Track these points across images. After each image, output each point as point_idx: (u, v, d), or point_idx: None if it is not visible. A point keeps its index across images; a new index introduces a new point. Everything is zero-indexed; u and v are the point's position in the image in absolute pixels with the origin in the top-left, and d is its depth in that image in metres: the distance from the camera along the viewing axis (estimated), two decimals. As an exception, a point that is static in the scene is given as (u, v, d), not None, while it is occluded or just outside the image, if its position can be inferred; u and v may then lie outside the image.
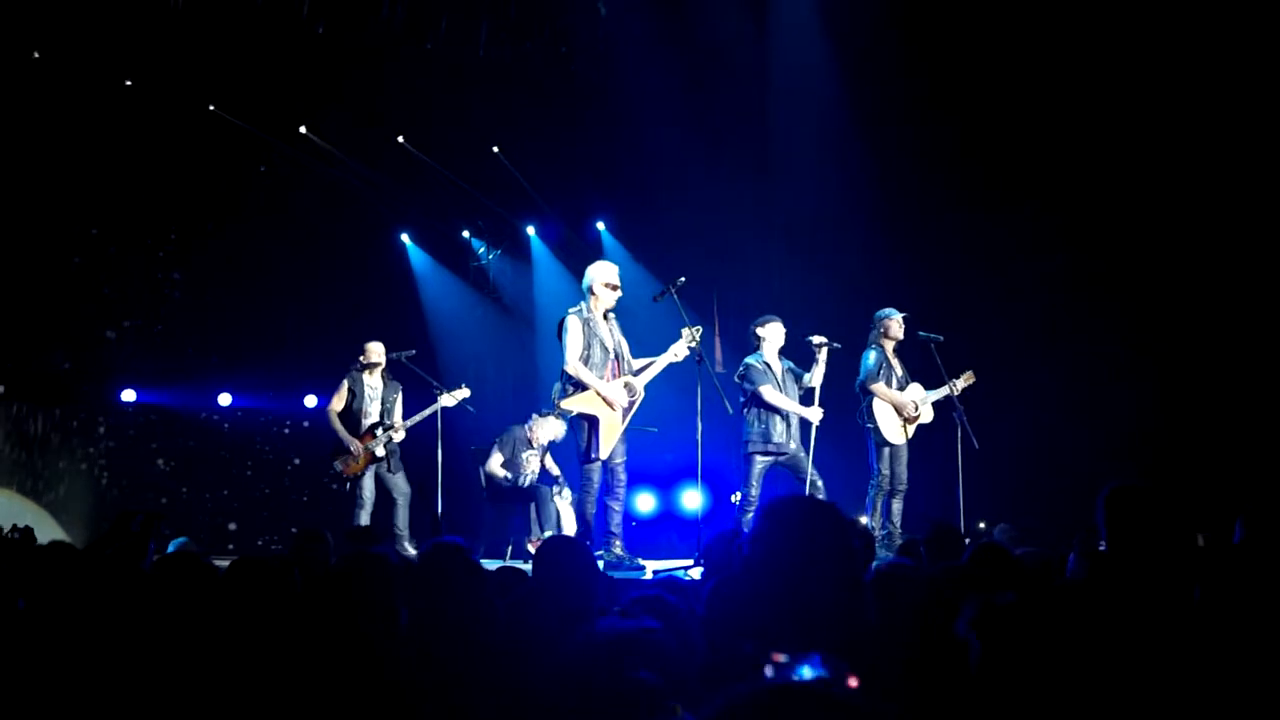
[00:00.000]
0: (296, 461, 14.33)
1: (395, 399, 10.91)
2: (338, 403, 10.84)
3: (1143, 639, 3.04)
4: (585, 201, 14.16)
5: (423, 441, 11.04)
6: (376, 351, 10.88)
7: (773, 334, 10.01)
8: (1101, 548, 5.18)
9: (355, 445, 10.66)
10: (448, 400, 10.85)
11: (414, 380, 11.14)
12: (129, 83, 12.90)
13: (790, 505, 2.89)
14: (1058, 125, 11.69)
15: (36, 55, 12.53)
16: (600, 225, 14.17)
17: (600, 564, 6.40)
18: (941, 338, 10.34)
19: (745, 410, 9.90)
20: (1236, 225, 11.15)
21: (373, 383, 10.88)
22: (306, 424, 13.96)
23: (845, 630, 2.69)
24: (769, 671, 1.49)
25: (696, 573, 7.88)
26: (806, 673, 1.66)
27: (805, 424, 9.86)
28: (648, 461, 11.69)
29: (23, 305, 13.01)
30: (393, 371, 11.03)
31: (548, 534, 10.67)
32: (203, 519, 13.67)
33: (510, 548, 11.63)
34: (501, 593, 4.43)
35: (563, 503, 11.18)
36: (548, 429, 11.53)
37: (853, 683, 1.70)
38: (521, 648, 3.34)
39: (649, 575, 8.86)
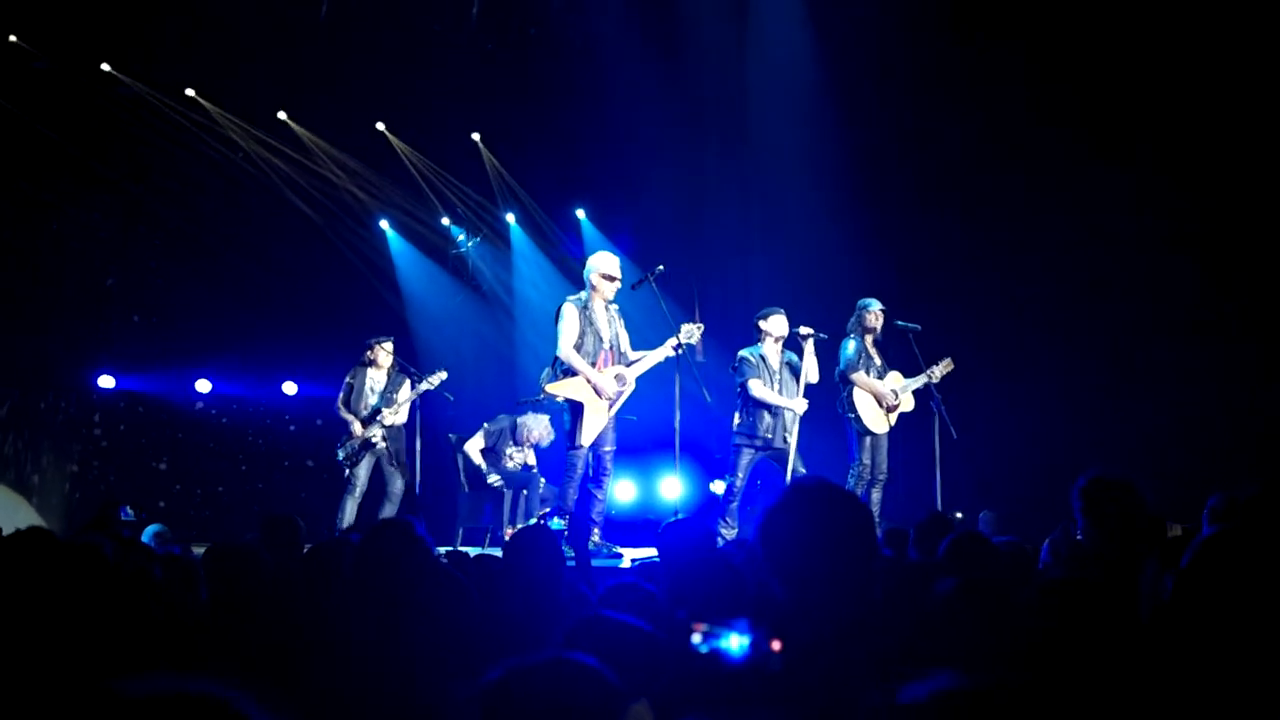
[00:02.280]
0: (282, 451, 14.27)
1: (398, 394, 10.90)
2: (341, 397, 10.97)
3: (1111, 626, 3.05)
4: (565, 189, 14.12)
5: (405, 426, 11.03)
6: (382, 348, 10.94)
7: (775, 326, 10.03)
8: (1078, 537, 5.20)
9: (356, 427, 10.72)
10: (429, 383, 10.83)
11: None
12: (106, 67, 12.85)
13: (814, 489, 2.89)
14: (1041, 112, 11.70)
15: (13, 39, 12.47)
16: (580, 213, 14.14)
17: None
18: (919, 327, 10.37)
19: (737, 401, 9.98)
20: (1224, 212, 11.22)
21: (376, 377, 10.94)
22: (321, 420, 13.83)
23: (854, 616, 2.70)
24: (695, 638, 1.49)
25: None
26: (733, 639, 1.66)
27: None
28: (625, 450, 11.69)
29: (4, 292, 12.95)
30: (399, 367, 11.05)
31: (529, 523, 10.67)
32: (184, 507, 13.58)
33: (488, 535, 11.63)
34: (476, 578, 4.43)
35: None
36: (541, 430, 11.49)
37: (776, 646, 1.70)
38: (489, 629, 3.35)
39: (626, 564, 8.88)
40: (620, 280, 9.39)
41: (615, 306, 9.46)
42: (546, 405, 10.54)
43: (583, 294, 9.34)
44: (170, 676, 1.50)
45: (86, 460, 13.59)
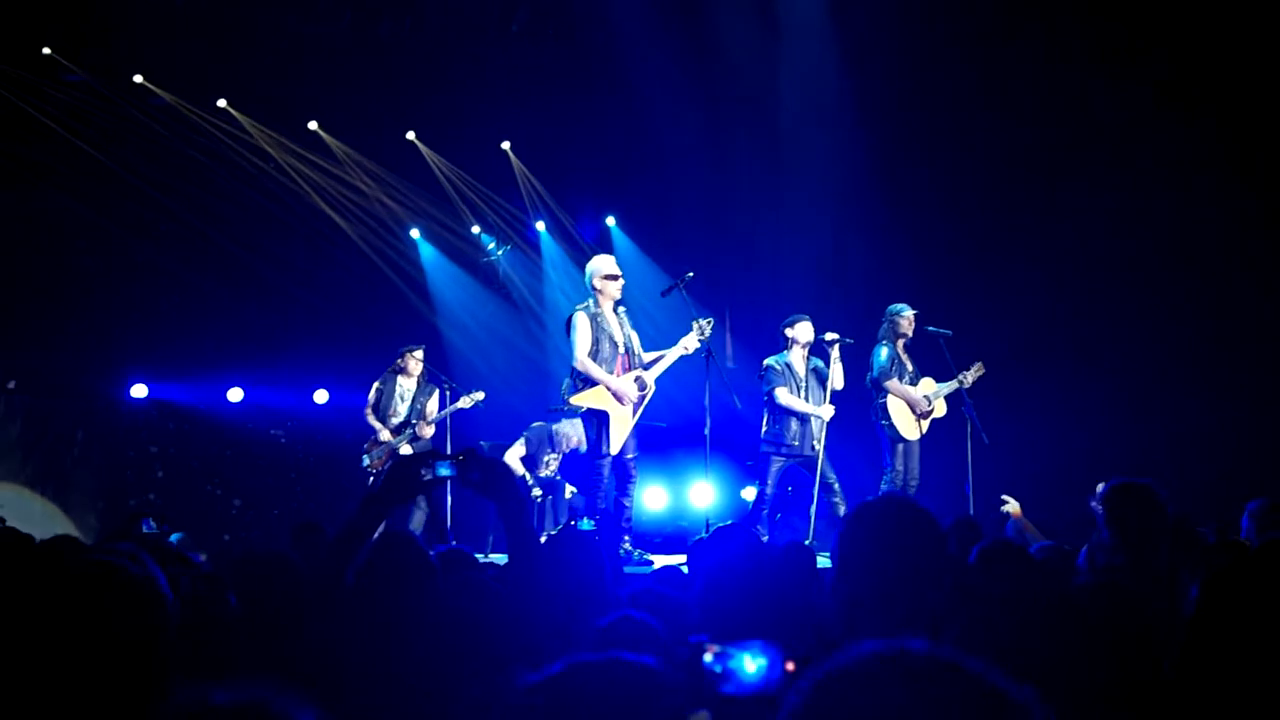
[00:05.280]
0: (307, 456, 14.31)
1: (427, 402, 10.98)
2: (371, 402, 11.05)
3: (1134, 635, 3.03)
4: (595, 197, 14.15)
5: (435, 438, 11.05)
6: (413, 356, 11.00)
7: (801, 333, 10.00)
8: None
9: (384, 436, 10.77)
10: (464, 403, 10.91)
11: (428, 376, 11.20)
12: (139, 79, 12.94)
13: (887, 508, 2.88)
14: (1062, 118, 11.65)
15: (49, 51, 12.59)
16: (610, 221, 14.17)
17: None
18: (950, 332, 10.33)
19: (764, 410, 9.97)
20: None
21: (406, 384, 11.01)
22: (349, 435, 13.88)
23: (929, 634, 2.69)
24: (708, 658, 1.47)
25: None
26: (747, 661, 1.64)
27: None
28: (655, 457, 11.68)
29: (35, 300, 13.04)
30: (429, 376, 11.10)
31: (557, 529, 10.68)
32: (216, 516, 13.64)
33: (491, 539, 11.60)
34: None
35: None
36: (581, 435, 11.46)
37: (790, 667, 1.67)
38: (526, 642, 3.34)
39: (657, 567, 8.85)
40: (622, 277, 9.38)
41: (624, 309, 9.43)
42: (573, 414, 10.52)
43: (590, 301, 9.32)
44: (237, 685, 1.51)
45: (118, 469, 13.66)
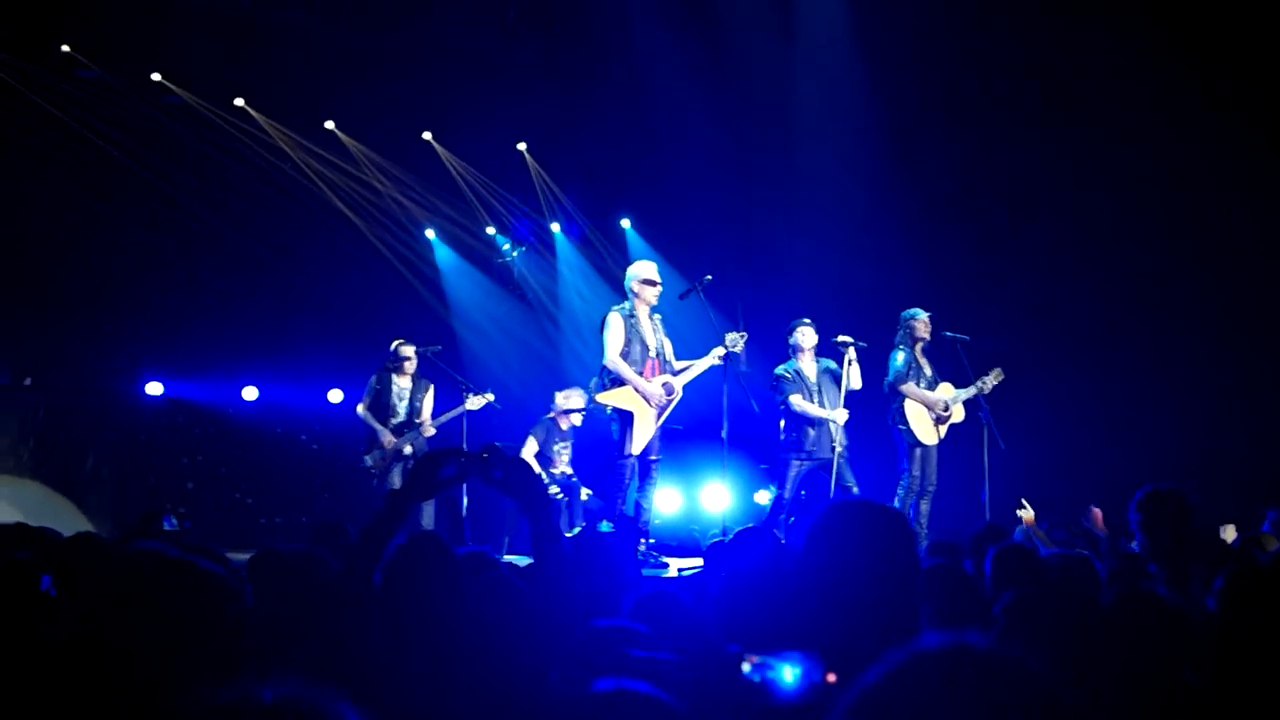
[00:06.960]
0: (321, 452, 14.31)
1: (424, 398, 10.95)
2: (366, 401, 10.95)
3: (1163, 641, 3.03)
4: (611, 199, 14.16)
5: (448, 439, 11.04)
6: (406, 351, 10.94)
7: (804, 338, 10.07)
8: (1133, 547, 5.17)
9: (387, 438, 10.72)
10: (473, 403, 10.88)
11: (443, 377, 11.19)
12: (156, 76, 12.97)
13: (855, 508, 2.87)
14: (1083, 125, 11.64)
15: (68, 49, 12.62)
16: (625, 223, 14.17)
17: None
18: (968, 337, 10.33)
19: (781, 417, 10.00)
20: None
21: (402, 382, 10.95)
22: (333, 423, 13.89)
23: (898, 634, 2.68)
24: (746, 668, 1.48)
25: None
26: (786, 671, 1.64)
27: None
28: (670, 459, 11.67)
29: (50, 297, 13.07)
30: (423, 370, 11.08)
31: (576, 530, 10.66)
32: (232, 514, 13.65)
33: (508, 541, 11.58)
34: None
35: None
36: (574, 398, 11.44)
37: (831, 678, 1.67)
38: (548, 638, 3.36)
39: (673, 573, 8.87)
40: (661, 284, 9.46)
41: (659, 316, 9.51)
42: (595, 413, 10.52)
43: (626, 303, 9.41)
44: (285, 682, 1.52)
45: (135, 467, 13.66)
